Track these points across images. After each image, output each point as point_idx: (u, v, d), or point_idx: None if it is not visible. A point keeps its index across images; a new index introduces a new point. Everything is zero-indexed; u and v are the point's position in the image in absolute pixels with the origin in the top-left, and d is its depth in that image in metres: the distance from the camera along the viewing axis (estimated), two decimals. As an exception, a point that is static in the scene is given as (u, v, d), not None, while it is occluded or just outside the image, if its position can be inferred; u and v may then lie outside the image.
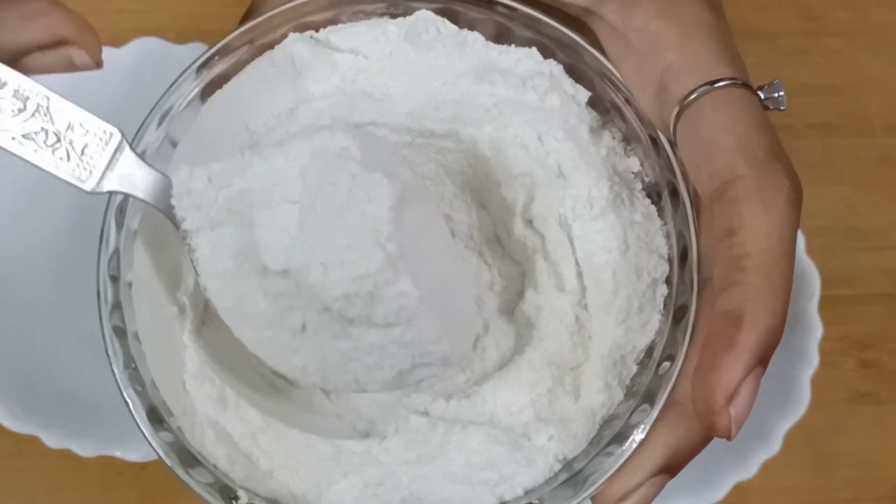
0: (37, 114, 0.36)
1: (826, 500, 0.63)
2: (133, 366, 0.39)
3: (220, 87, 0.42)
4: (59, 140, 0.37)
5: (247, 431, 0.40)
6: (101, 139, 0.37)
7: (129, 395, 0.39)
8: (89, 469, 0.60)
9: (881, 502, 0.63)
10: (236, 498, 0.38)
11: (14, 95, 0.36)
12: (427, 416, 0.40)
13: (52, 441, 0.55)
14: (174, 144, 0.42)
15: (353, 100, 0.43)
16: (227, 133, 0.42)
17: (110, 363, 0.39)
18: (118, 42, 0.60)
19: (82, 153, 0.37)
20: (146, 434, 0.38)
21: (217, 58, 0.42)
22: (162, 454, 0.38)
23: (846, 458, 0.63)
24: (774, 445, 0.56)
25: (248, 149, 0.42)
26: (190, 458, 0.39)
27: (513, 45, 0.43)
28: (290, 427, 0.40)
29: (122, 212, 0.40)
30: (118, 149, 0.38)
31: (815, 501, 0.63)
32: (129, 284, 0.40)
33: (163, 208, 0.38)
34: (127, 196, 0.39)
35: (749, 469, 0.56)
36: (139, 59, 0.59)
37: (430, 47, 0.43)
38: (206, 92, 0.42)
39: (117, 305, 0.39)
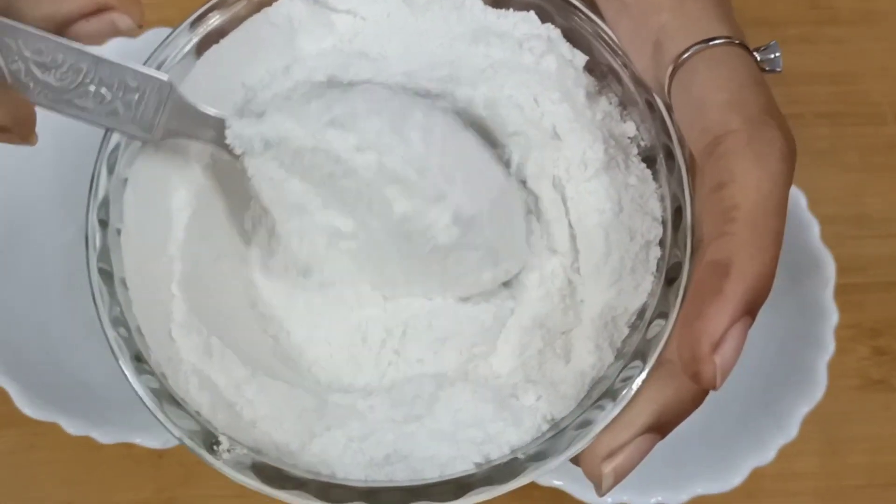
0: (88, 77, 0.38)
1: (838, 485, 0.63)
2: (119, 310, 0.39)
3: (216, 41, 0.42)
4: (114, 97, 0.38)
5: (231, 382, 0.40)
6: (153, 90, 0.39)
7: (114, 338, 0.38)
8: (106, 460, 0.60)
9: (893, 488, 0.63)
10: (217, 443, 0.38)
11: (66, 64, 0.37)
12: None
13: (72, 428, 0.55)
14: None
15: (349, 59, 0.44)
16: (222, 88, 0.43)
17: (96, 307, 0.39)
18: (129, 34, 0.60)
19: (137, 106, 0.39)
20: (129, 378, 0.38)
21: (214, 13, 0.42)
22: (144, 398, 0.38)
23: (858, 444, 0.64)
24: (791, 431, 0.57)
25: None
26: (172, 405, 0.38)
27: (511, 10, 0.43)
28: (274, 379, 0.40)
29: (113, 158, 0.40)
30: (169, 96, 0.39)
31: (827, 487, 0.63)
32: (118, 231, 0.40)
33: (219, 145, 0.40)
34: (175, 138, 0.40)
35: (767, 454, 0.56)
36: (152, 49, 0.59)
37: (426, 9, 0.43)
38: (202, 47, 0.42)
39: (105, 250, 0.40)
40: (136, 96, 0.38)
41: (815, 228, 0.60)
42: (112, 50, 0.58)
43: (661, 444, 0.57)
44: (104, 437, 0.55)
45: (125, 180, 0.41)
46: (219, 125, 0.40)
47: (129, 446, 0.56)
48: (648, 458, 0.56)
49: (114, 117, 0.38)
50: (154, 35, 0.59)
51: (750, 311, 0.33)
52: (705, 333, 0.33)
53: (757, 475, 0.57)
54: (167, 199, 0.42)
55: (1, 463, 0.61)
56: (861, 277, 0.66)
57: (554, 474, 0.52)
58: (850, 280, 0.64)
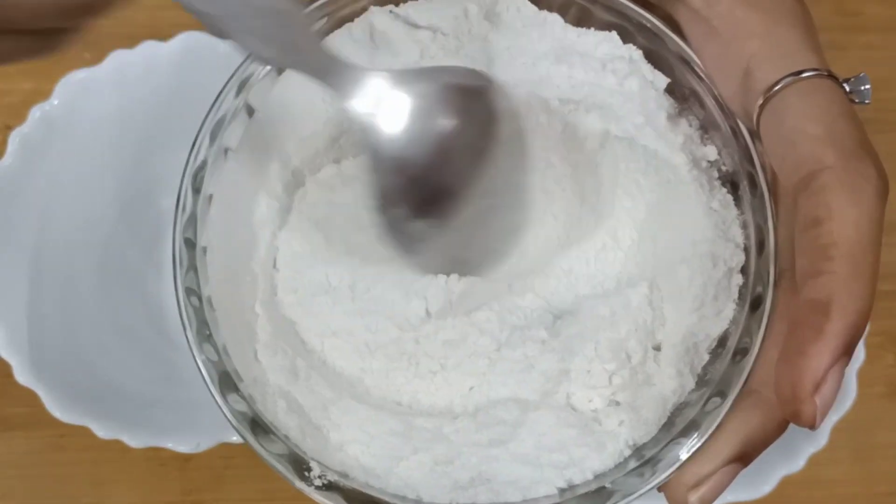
0: None
1: (866, 493, 0.63)
2: (207, 332, 0.39)
3: None
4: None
5: (318, 403, 0.40)
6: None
7: (202, 360, 0.38)
8: (133, 462, 0.60)
9: (921, 496, 0.63)
10: (309, 469, 0.38)
11: None
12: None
13: (102, 432, 0.55)
14: (251, 113, 0.42)
15: None
16: (305, 104, 0.42)
17: (184, 328, 0.39)
18: (160, 37, 0.60)
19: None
20: (218, 401, 0.38)
21: None
22: (234, 422, 0.38)
23: (886, 451, 0.64)
24: (822, 439, 0.56)
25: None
26: (261, 428, 0.38)
27: (592, 29, 0.43)
28: (360, 402, 0.40)
29: (198, 177, 0.40)
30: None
31: (855, 494, 0.63)
32: (204, 250, 0.40)
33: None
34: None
35: (797, 462, 0.56)
36: (184, 53, 0.59)
37: (509, 27, 0.43)
38: None
39: (192, 269, 0.39)
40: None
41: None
42: (140, 54, 0.58)
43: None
44: (134, 440, 0.55)
45: (210, 198, 0.40)
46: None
47: (156, 450, 0.56)
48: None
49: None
50: (183, 40, 0.59)
51: (848, 350, 0.34)
52: (807, 374, 0.34)
53: (785, 482, 0.57)
54: (250, 216, 0.42)
55: (29, 463, 0.61)
56: (890, 285, 0.65)
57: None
58: (880, 287, 0.63)
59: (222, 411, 0.38)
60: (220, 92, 0.41)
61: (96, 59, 0.59)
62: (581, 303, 0.42)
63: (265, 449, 0.38)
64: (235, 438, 0.53)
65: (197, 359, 0.38)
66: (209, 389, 0.38)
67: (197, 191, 0.40)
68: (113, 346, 0.60)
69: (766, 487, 0.56)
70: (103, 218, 0.61)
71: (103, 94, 0.59)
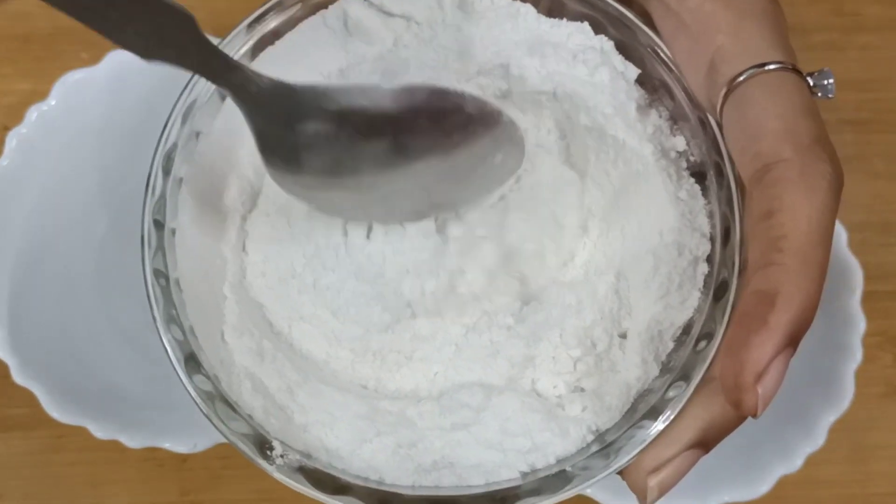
0: None
1: (863, 493, 0.63)
2: (173, 311, 0.39)
3: (271, 43, 0.43)
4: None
5: (283, 385, 0.40)
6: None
7: (168, 339, 0.39)
8: (130, 462, 0.61)
9: (918, 496, 0.63)
10: (271, 448, 0.38)
11: None
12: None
13: (100, 432, 0.55)
14: (223, 97, 0.42)
15: (404, 64, 0.44)
16: None
17: (151, 307, 0.39)
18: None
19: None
20: (183, 380, 0.39)
21: (270, 14, 0.42)
22: (198, 401, 0.39)
23: (883, 451, 0.64)
24: (819, 439, 0.56)
25: None
26: (225, 408, 0.39)
27: (564, 20, 0.43)
28: (326, 385, 0.40)
29: (169, 158, 0.41)
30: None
31: (852, 495, 0.63)
32: (173, 232, 0.40)
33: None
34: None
35: (794, 462, 0.56)
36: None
37: (482, 16, 0.43)
38: (258, 48, 0.43)
39: (160, 250, 0.40)
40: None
41: (842, 236, 0.59)
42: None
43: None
44: (132, 441, 0.55)
45: (180, 180, 0.41)
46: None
47: (154, 450, 0.56)
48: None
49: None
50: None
51: (793, 342, 0.34)
52: (749, 363, 0.34)
53: (782, 482, 0.57)
54: (220, 199, 0.42)
55: (27, 464, 0.61)
56: (888, 285, 0.65)
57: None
58: (878, 287, 0.64)
59: (187, 390, 0.39)
60: (191, 76, 0.41)
61: (93, 59, 0.59)
62: (548, 290, 0.42)
63: (228, 428, 0.38)
64: (232, 438, 0.53)
65: (163, 338, 0.39)
66: (174, 369, 0.39)
67: (167, 172, 0.41)
68: (110, 347, 0.60)
69: (764, 487, 0.56)
70: (100, 218, 0.61)
71: (100, 95, 0.59)
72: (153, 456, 0.60)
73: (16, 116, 0.58)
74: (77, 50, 0.64)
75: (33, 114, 0.58)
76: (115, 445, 0.55)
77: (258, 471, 0.60)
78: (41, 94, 0.58)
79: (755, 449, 0.57)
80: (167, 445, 0.55)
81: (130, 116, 0.60)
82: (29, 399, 0.55)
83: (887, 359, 0.65)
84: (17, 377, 0.55)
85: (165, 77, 0.59)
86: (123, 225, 0.61)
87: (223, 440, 0.54)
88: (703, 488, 0.55)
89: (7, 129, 0.58)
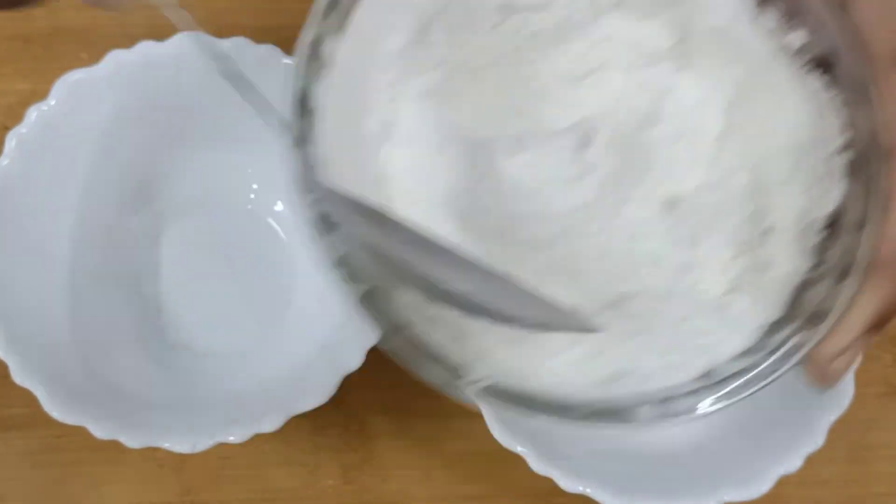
0: None
1: (862, 493, 0.63)
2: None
3: None
4: None
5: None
6: None
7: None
8: (130, 463, 0.61)
9: (918, 496, 0.63)
10: (459, 376, 0.39)
11: None
12: None
13: (100, 432, 0.54)
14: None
15: None
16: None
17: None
18: (158, 37, 0.60)
19: None
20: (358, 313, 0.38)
21: None
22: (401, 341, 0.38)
23: (883, 451, 0.64)
24: (819, 438, 0.56)
25: None
26: (412, 339, 0.39)
27: None
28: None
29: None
30: None
31: (851, 494, 0.63)
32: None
33: None
34: None
35: (794, 462, 0.56)
36: (182, 53, 0.59)
37: None
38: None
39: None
40: None
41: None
42: (138, 54, 0.58)
43: (688, 451, 0.57)
44: (132, 441, 0.55)
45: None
46: None
47: (154, 450, 0.56)
48: (675, 466, 0.56)
49: None
50: (181, 40, 0.59)
51: None
52: None
53: (782, 482, 0.57)
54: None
55: (27, 463, 0.61)
56: (887, 285, 0.65)
57: (581, 480, 0.52)
58: (877, 287, 0.64)
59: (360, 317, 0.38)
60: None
61: (93, 59, 0.59)
62: (692, 194, 0.43)
63: (419, 357, 0.38)
64: (232, 438, 0.53)
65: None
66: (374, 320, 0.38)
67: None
68: (111, 347, 0.60)
69: (763, 487, 0.56)
70: (101, 218, 0.61)
71: (101, 95, 0.58)
72: (153, 456, 0.60)
73: (15, 116, 0.58)
74: (77, 50, 0.64)
75: (33, 114, 0.58)
76: (114, 445, 0.55)
77: (258, 471, 0.60)
78: (41, 94, 0.58)
79: (755, 448, 0.57)
80: (167, 445, 0.55)
81: (131, 116, 0.60)
82: (29, 399, 0.55)
83: (887, 359, 0.65)
84: (17, 377, 0.55)
85: (166, 77, 0.59)
86: (124, 225, 0.62)
87: (223, 440, 0.54)
88: (702, 488, 0.55)
89: (7, 129, 0.58)
